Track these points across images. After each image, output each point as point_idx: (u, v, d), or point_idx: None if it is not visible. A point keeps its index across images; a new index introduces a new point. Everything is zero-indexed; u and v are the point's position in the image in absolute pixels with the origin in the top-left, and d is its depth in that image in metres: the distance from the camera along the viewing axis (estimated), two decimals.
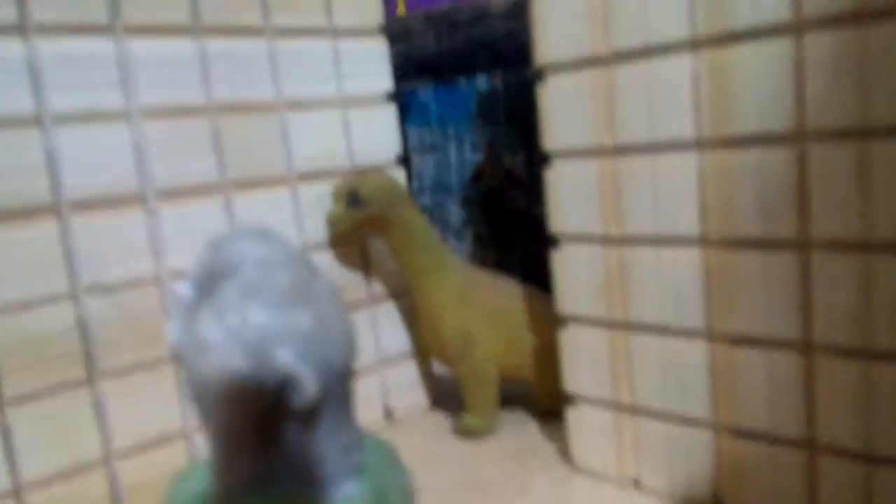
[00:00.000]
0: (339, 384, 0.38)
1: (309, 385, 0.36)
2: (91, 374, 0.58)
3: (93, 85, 0.57)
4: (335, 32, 0.73)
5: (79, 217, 0.57)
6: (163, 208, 0.61)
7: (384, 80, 0.77)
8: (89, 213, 0.57)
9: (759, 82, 0.46)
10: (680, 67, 0.50)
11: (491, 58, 0.95)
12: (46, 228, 0.55)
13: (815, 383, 0.47)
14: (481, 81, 0.96)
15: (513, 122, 0.94)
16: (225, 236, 0.39)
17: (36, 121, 0.55)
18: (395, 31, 1.04)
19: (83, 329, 0.57)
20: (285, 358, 0.35)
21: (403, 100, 1.04)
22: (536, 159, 0.92)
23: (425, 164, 1.05)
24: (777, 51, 0.45)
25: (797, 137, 0.46)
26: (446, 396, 0.83)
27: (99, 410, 0.58)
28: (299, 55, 0.70)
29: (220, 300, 0.37)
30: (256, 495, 0.37)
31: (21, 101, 0.54)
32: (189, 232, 0.62)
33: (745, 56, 0.47)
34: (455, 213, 1.03)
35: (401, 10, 1.20)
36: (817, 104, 0.44)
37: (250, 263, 0.38)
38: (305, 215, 0.71)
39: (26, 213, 0.55)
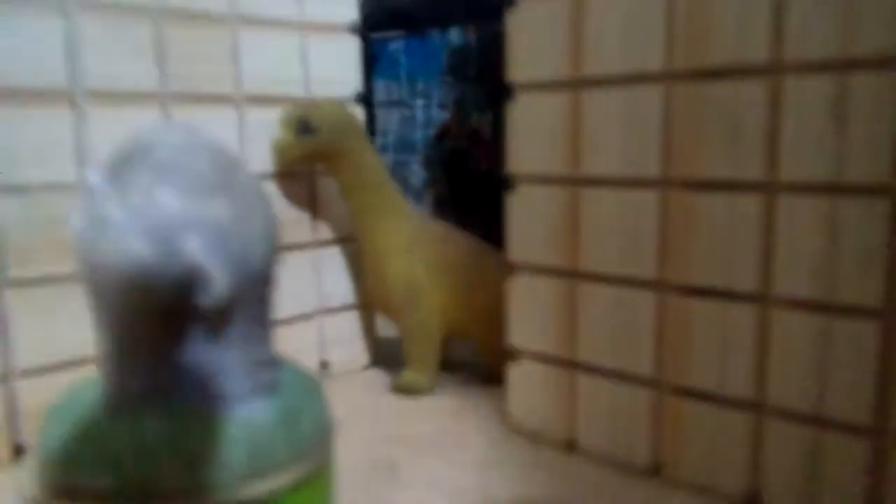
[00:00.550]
0: (254, 288, 0.34)
1: (219, 281, 0.32)
2: None
3: None
4: None
5: None
6: (93, 111, 0.56)
7: (348, 9, 0.73)
8: (9, 104, 0.52)
9: (738, 9, 0.44)
10: None
11: (465, 8, 0.91)
12: None
13: (769, 339, 0.45)
14: (454, 34, 0.92)
15: (483, 79, 0.91)
16: (146, 127, 0.35)
17: None
18: None
19: None
20: (194, 247, 0.31)
21: (372, 51, 1.00)
22: (504, 119, 0.89)
23: (390, 119, 1.01)
24: None
25: (773, 70, 0.43)
26: (388, 358, 0.79)
27: (1, 322, 0.53)
28: None
29: (127, 179, 0.33)
30: (151, 404, 0.33)
31: None
32: (120, 140, 0.57)
33: None
34: (418, 173, 1.00)
35: None
36: (797, 33, 0.42)
37: (167, 146, 0.34)
38: (251, 139, 0.66)
39: None
